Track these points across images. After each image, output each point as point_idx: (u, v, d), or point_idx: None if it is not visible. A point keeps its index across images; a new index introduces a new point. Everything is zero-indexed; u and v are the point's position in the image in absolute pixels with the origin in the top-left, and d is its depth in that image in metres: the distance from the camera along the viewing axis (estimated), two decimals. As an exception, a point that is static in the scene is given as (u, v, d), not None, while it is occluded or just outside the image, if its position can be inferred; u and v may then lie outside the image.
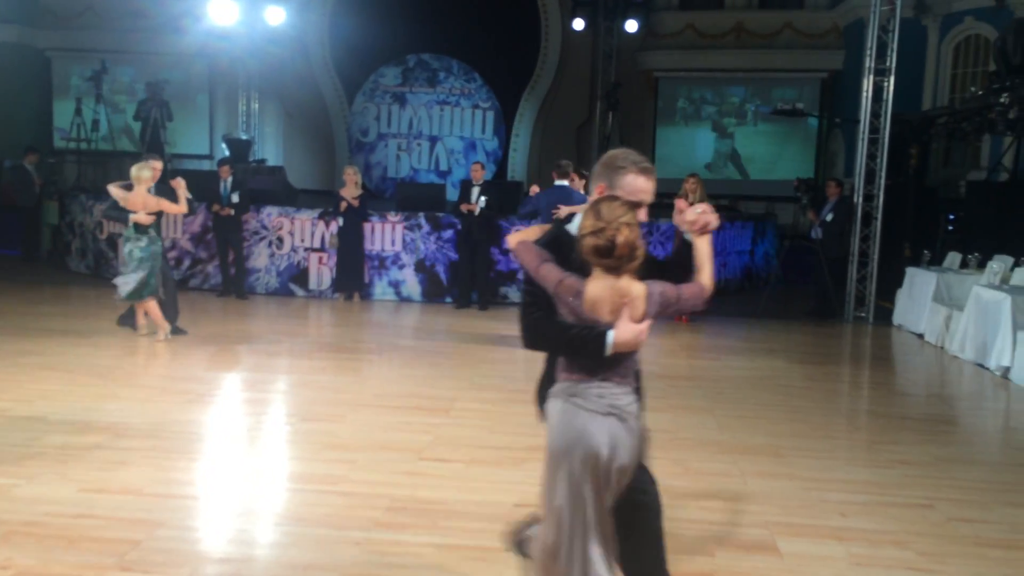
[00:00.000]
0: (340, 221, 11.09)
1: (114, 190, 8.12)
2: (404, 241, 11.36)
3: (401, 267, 11.38)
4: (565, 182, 8.74)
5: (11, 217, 14.58)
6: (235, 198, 10.95)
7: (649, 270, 2.75)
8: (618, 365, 2.71)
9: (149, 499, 4.37)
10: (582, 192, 8.59)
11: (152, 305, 8.16)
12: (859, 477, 5.15)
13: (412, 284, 11.40)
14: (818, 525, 4.34)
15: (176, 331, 8.44)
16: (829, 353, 9.54)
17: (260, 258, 11.48)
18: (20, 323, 8.86)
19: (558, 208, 8.44)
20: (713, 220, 2.86)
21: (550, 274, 2.70)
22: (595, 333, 2.63)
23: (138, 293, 8.04)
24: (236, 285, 11.15)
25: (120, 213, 8.06)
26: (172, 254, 11.52)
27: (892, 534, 4.26)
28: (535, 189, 9.28)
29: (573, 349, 2.72)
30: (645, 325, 2.65)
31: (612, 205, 2.63)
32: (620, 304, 2.64)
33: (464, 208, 10.86)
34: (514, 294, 11.10)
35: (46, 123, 17.07)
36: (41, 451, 4.98)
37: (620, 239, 2.58)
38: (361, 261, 11.21)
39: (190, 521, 4.20)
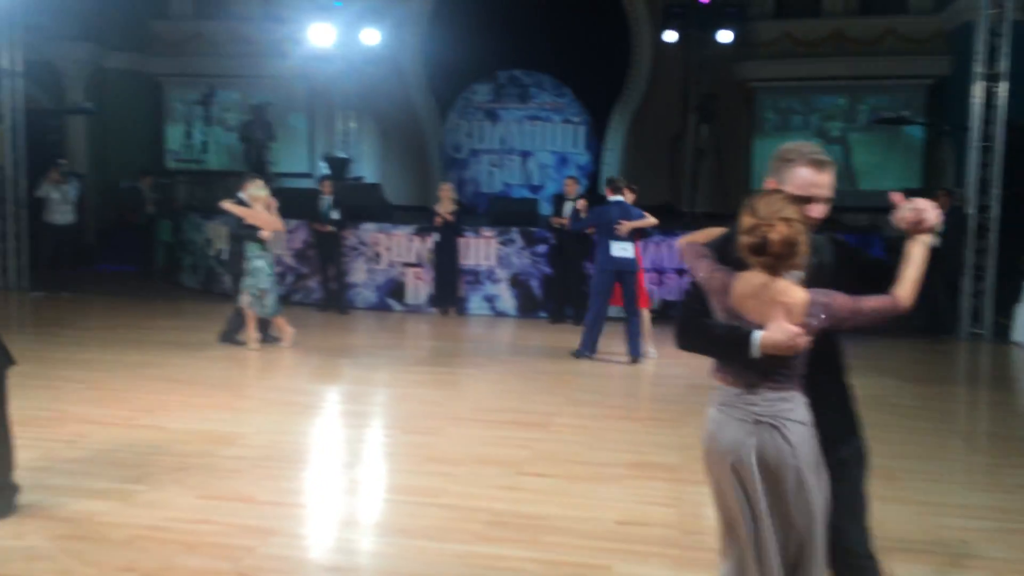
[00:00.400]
0: (436, 236, 11.28)
1: (237, 209, 8.57)
2: (498, 256, 11.47)
3: (496, 282, 11.49)
4: (620, 197, 8.63)
5: (127, 235, 15.37)
6: (335, 215, 11.27)
7: (864, 274, 2.54)
8: (773, 371, 2.50)
9: (262, 507, 4.53)
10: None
11: (269, 319, 8.74)
12: (980, 502, 4.92)
13: (506, 299, 11.50)
14: (938, 552, 4.17)
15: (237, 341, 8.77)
16: (943, 371, 9.16)
17: (359, 273, 11.77)
18: (138, 336, 9.32)
19: (620, 223, 8.46)
20: (931, 216, 2.49)
21: (702, 268, 2.61)
22: (740, 333, 2.48)
23: (270, 307, 8.63)
24: (337, 300, 11.46)
25: (249, 231, 8.47)
26: (276, 269, 11.89)
27: (1021, 563, 4.05)
28: (583, 204, 9.24)
29: (719, 350, 2.59)
30: (799, 331, 2.43)
31: (770, 199, 2.47)
32: (772, 304, 2.46)
33: (556, 222, 10.89)
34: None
35: (158, 145, 17.92)
36: (161, 459, 5.23)
37: (774, 235, 2.41)
38: (456, 276, 11.38)
39: (300, 529, 4.34)
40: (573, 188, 11.00)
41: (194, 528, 4.21)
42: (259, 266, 8.56)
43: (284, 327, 8.84)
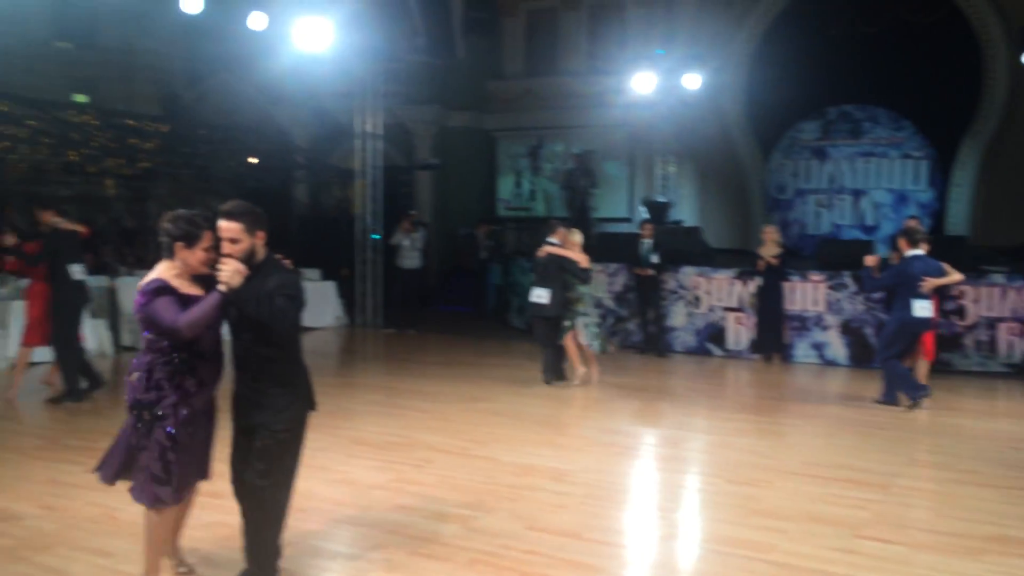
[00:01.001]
0: (759, 280, 10.92)
1: (570, 252, 8.92)
2: (828, 301, 10.81)
3: (824, 328, 10.83)
4: (919, 251, 7.93)
5: (463, 279, 16.73)
6: (654, 258, 11.35)
7: None
8: None
9: (587, 543, 4.62)
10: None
11: (573, 348, 9.07)
12: None
13: (837, 347, 10.78)
14: None
15: None
16: None
17: (678, 317, 11.72)
18: (471, 372, 10.04)
19: (924, 280, 7.67)
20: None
21: None
22: None
23: (600, 344, 9.13)
24: (656, 343, 11.49)
25: (587, 272, 8.97)
26: (597, 312, 12.22)
27: None
28: (872, 260, 8.30)
29: None
30: None
31: None
32: None
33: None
34: (959, 361, 10.02)
35: (491, 195, 19.37)
36: (495, 488, 5.54)
37: None
38: (781, 321, 10.90)
39: (622, 571, 4.36)
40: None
41: (525, 558, 4.39)
42: (588, 302, 9.03)
43: (580, 365, 9.06)
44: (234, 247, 3.66)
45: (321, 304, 13.87)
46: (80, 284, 8.09)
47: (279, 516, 3.94)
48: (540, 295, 8.85)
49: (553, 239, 9.03)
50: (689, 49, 16.31)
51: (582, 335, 8.97)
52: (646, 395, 8.92)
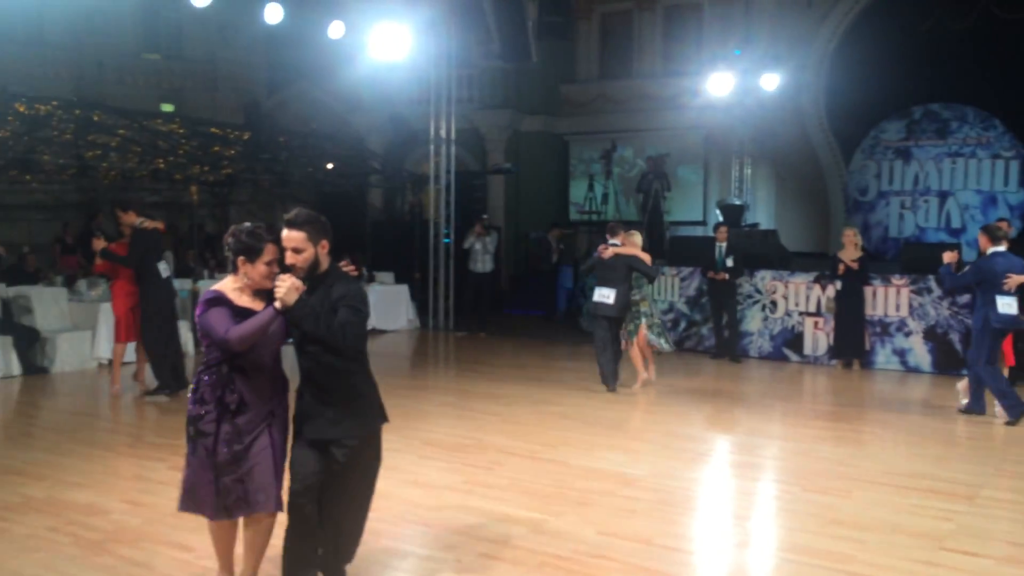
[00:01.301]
0: (838, 285, 10.64)
1: (635, 251, 8.91)
2: (911, 306, 10.47)
3: (907, 334, 10.48)
4: (1002, 247, 7.66)
5: (534, 282, 16.75)
6: (729, 262, 11.17)
7: None
8: None
9: (657, 550, 4.57)
10: None
11: (637, 354, 9.08)
12: None
13: (920, 353, 10.42)
14: None
15: None
16: None
17: (753, 321, 11.51)
18: (541, 375, 10.05)
19: (1008, 277, 7.41)
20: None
21: None
22: None
23: (668, 343, 9.28)
24: (729, 348, 11.30)
25: (655, 269, 9.08)
26: (669, 316, 12.12)
27: None
28: (951, 257, 7.94)
29: None
30: None
31: None
32: None
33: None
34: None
35: (563, 199, 19.33)
36: (565, 492, 5.53)
37: None
38: (862, 327, 10.59)
39: (696, 578, 4.29)
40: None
41: (593, 562, 4.37)
42: (650, 301, 9.14)
43: (640, 365, 9.10)
44: (297, 257, 3.59)
45: (394, 307, 14.07)
46: (168, 281, 8.39)
47: (357, 533, 3.91)
48: (605, 295, 8.78)
49: (615, 240, 9.00)
50: (768, 49, 16.02)
51: (647, 335, 8.97)
52: (719, 400, 8.78)
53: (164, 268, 8.29)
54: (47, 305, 10.28)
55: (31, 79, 16.03)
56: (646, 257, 8.87)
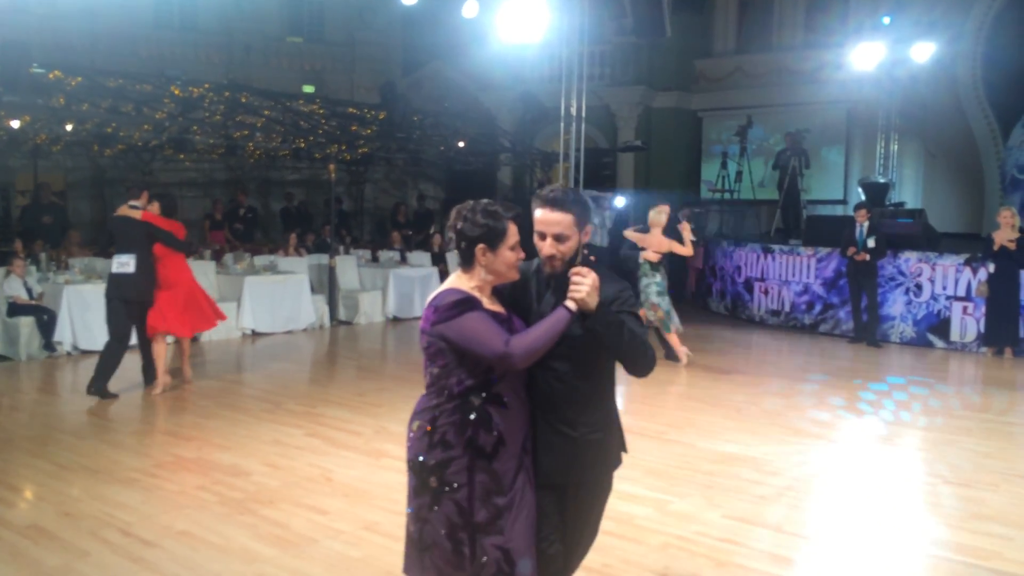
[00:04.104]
0: (991, 268, 9.97)
1: (631, 234, 9.29)
2: (1074, 292, 9.71)
3: (1069, 322, 9.74)
4: None
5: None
6: (871, 243, 10.65)
7: None
8: None
9: (786, 536, 4.45)
10: None
11: (674, 337, 9.13)
12: None
13: (1083, 342, 9.67)
14: None
15: None
16: None
17: (895, 305, 10.95)
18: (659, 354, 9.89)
19: None
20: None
21: None
22: None
23: (665, 326, 9.08)
24: (868, 332, 10.80)
25: (633, 252, 9.24)
26: (803, 299, 11.70)
27: None
28: None
29: None
30: None
31: None
32: None
33: None
34: None
35: (695, 177, 18.90)
36: (691, 474, 5.45)
37: None
38: (1016, 313, 9.90)
39: (825, 569, 4.15)
40: None
41: (721, 546, 4.30)
42: (646, 284, 9.07)
43: (678, 346, 9.16)
44: (559, 247, 2.72)
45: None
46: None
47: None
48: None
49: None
50: (921, 16, 15.06)
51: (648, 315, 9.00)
52: (856, 386, 8.41)
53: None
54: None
55: (185, 63, 16.97)
56: (643, 239, 8.96)
